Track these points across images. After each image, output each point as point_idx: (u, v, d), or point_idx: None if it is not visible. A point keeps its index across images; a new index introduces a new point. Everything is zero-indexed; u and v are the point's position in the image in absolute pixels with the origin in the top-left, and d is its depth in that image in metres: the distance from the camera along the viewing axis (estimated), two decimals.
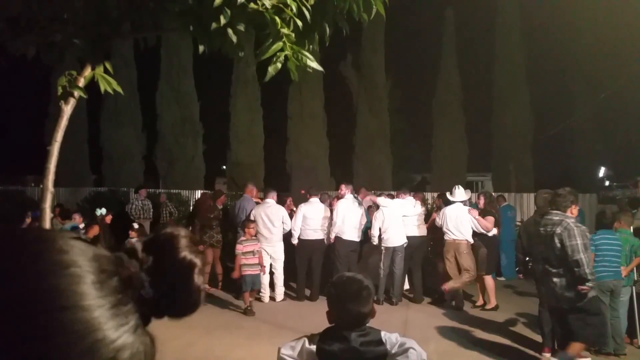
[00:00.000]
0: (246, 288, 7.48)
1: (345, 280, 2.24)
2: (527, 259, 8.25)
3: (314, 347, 2.18)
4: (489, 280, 7.88)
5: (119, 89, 2.76)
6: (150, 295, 0.61)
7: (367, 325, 2.20)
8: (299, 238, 8.55)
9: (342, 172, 17.36)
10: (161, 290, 0.62)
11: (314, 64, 2.54)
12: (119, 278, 0.57)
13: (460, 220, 7.74)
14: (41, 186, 2.65)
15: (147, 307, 0.61)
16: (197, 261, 0.65)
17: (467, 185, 13.64)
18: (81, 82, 2.62)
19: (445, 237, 7.83)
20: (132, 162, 18.41)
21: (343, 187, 8.78)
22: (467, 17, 18.37)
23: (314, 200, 8.71)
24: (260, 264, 7.77)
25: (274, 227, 8.31)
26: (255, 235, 7.96)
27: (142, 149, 19.02)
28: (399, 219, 8.20)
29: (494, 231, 7.91)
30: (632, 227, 6.31)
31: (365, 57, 18.20)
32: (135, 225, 7.63)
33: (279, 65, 2.42)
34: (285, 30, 2.38)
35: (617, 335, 5.69)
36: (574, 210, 4.89)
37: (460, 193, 7.95)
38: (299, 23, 2.45)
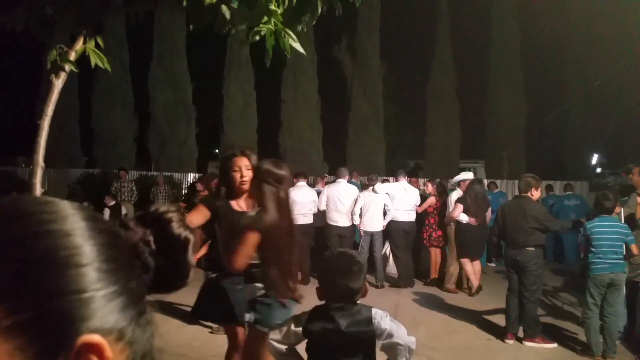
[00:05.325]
0: None
1: (336, 255, 2.25)
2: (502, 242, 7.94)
3: (299, 329, 2.18)
4: (477, 264, 7.92)
5: (107, 67, 2.72)
6: (152, 266, 0.62)
7: (358, 302, 2.19)
8: None
9: (336, 157, 17.33)
10: (158, 263, 0.63)
11: (297, 45, 2.48)
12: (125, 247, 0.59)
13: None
14: (31, 167, 2.62)
15: (149, 279, 0.62)
16: (192, 237, 0.67)
17: (460, 172, 13.66)
18: (72, 56, 2.58)
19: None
20: (124, 144, 18.26)
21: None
22: (462, 2, 18.25)
23: (301, 185, 8.59)
24: None
25: None
26: None
27: (134, 131, 18.87)
28: (380, 206, 8.20)
29: (464, 217, 7.62)
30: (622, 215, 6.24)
31: (360, 41, 18.09)
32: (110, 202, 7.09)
33: (257, 38, 2.38)
34: (273, 7, 2.34)
35: (608, 335, 5.07)
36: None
37: (458, 176, 8.49)
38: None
